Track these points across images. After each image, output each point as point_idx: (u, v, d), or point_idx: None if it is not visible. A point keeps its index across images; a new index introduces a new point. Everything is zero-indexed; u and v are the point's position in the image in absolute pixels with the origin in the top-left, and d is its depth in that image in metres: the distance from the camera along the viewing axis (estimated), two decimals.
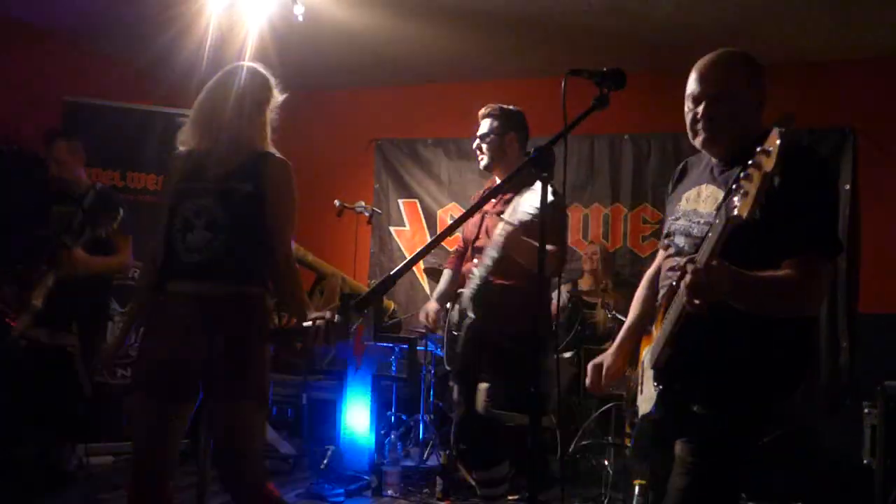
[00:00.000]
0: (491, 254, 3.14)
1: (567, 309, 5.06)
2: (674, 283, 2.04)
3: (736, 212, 1.66)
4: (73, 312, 4.05)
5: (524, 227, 3.01)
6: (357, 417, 4.98)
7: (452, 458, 4.09)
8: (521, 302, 3.20)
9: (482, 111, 3.53)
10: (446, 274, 3.73)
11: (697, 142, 2.13)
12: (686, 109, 2.15)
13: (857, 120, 5.25)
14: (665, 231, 2.29)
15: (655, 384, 2.04)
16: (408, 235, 6.55)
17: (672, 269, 2.17)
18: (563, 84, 1.84)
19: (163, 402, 2.41)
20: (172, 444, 2.45)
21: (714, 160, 2.18)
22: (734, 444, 1.99)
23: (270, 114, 2.69)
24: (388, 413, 5.11)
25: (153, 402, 2.41)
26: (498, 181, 3.51)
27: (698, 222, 2.12)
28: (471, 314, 3.32)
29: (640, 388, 2.20)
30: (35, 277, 3.84)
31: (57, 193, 4.15)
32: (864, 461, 4.29)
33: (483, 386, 3.32)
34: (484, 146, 3.46)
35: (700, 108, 2.09)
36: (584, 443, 4.65)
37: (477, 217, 3.49)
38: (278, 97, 2.71)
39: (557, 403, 4.61)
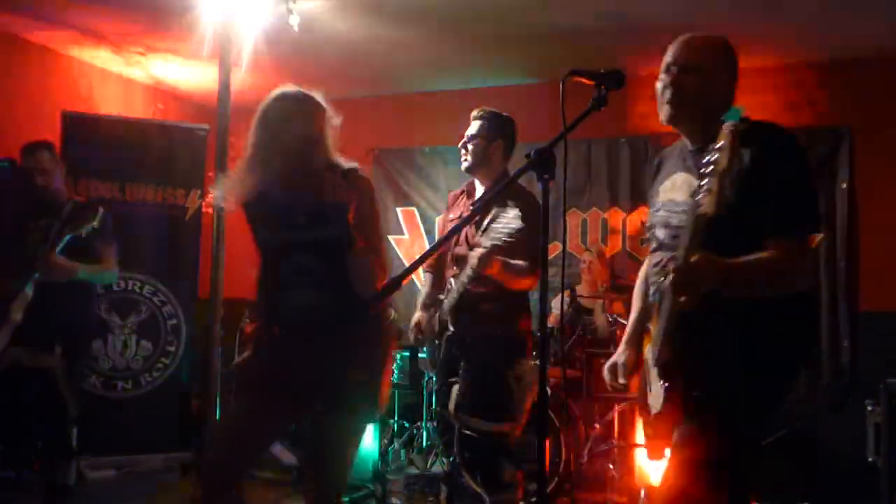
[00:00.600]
0: (468, 272, 3.13)
1: (569, 314, 5.06)
2: (661, 280, 2.07)
3: (701, 209, 1.71)
4: (55, 329, 3.79)
5: (498, 250, 3.01)
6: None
7: (456, 464, 4.08)
8: (496, 307, 3.25)
9: (475, 112, 3.52)
10: (427, 278, 3.68)
11: (663, 115, 2.13)
12: (657, 83, 2.15)
13: (854, 119, 5.27)
14: (647, 224, 2.31)
15: (661, 382, 2.04)
16: (407, 244, 6.55)
17: (656, 265, 2.19)
18: (561, 86, 1.84)
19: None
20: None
21: (686, 147, 2.18)
22: (737, 427, 1.97)
23: (331, 130, 2.63)
24: (391, 421, 5.10)
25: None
26: (478, 184, 3.49)
27: (676, 211, 2.13)
28: (451, 327, 3.33)
29: (648, 387, 2.20)
30: (13, 290, 3.64)
31: (39, 205, 3.97)
32: (869, 459, 4.29)
33: (454, 388, 3.34)
34: (470, 147, 3.42)
35: (669, 77, 2.10)
36: (588, 447, 4.64)
37: (458, 215, 3.50)
38: (334, 118, 2.66)
39: (566, 408, 4.60)
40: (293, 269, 2.47)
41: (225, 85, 3.07)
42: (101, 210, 3.78)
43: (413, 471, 4.74)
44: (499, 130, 3.45)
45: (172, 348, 5.25)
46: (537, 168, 1.79)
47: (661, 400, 2.06)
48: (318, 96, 2.63)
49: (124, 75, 6.20)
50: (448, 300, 3.33)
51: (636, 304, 2.43)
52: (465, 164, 3.45)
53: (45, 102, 5.44)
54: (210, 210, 5.18)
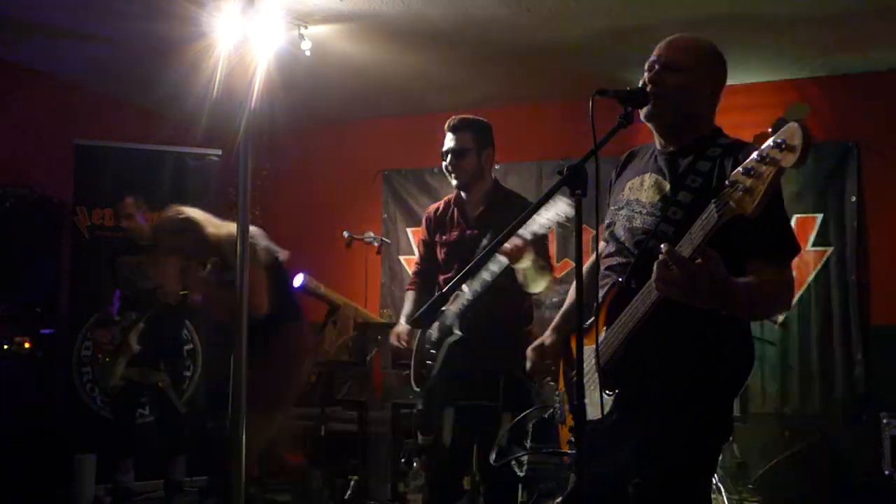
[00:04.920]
0: (492, 268, 2.95)
1: None
2: (620, 280, 1.99)
3: (736, 204, 1.59)
4: (159, 351, 4.54)
5: (533, 243, 2.85)
6: (378, 446, 4.97)
7: (476, 482, 4.08)
8: (508, 314, 3.13)
9: (449, 123, 3.26)
10: (409, 296, 3.51)
11: (643, 112, 2.04)
12: (640, 81, 2.08)
13: (861, 133, 5.31)
14: (607, 221, 2.19)
15: (608, 391, 1.93)
16: None
17: (610, 268, 2.09)
18: (590, 105, 1.83)
19: None
20: None
21: (658, 147, 2.12)
22: (695, 450, 1.95)
23: None
24: (409, 440, 5.10)
25: None
26: (465, 196, 3.28)
27: (640, 212, 2.06)
28: (457, 331, 3.11)
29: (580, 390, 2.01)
30: (124, 323, 4.37)
31: (123, 243, 4.66)
32: (886, 472, 4.29)
33: (451, 411, 3.17)
34: (460, 163, 3.18)
35: (650, 74, 2.04)
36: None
37: (455, 233, 3.31)
38: None
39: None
40: None
41: (245, 110, 3.11)
42: None
43: None
44: (486, 137, 3.25)
45: (189, 373, 5.27)
46: (570, 184, 1.77)
47: (600, 408, 1.91)
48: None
49: (134, 103, 6.25)
50: (456, 305, 3.12)
51: (571, 299, 2.32)
52: (457, 182, 3.23)
53: (57, 132, 5.49)
54: None
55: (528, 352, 2.30)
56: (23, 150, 5.32)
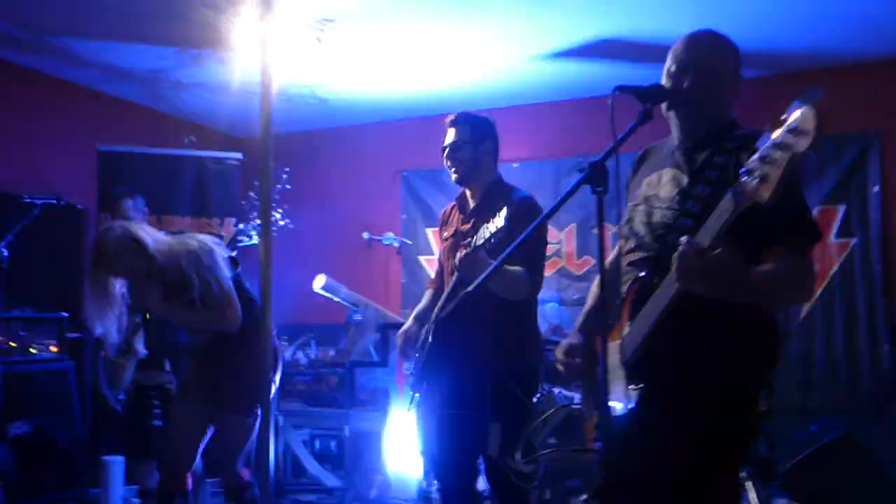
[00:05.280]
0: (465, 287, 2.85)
1: None
2: (641, 275, 1.98)
3: (751, 192, 1.57)
4: (162, 350, 4.40)
5: (486, 250, 2.71)
6: (402, 446, 4.99)
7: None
8: (505, 326, 3.00)
9: (449, 119, 3.22)
10: (427, 294, 3.46)
11: (664, 106, 2.05)
12: (663, 81, 2.09)
13: (883, 122, 5.26)
14: (625, 217, 2.19)
15: (632, 384, 1.93)
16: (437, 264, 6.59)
17: (632, 263, 2.09)
18: (610, 102, 1.84)
19: None
20: None
21: (676, 142, 2.13)
22: (723, 444, 1.95)
23: None
24: None
25: None
26: (469, 195, 3.23)
27: (659, 207, 2.07)
28: (430, 337, 3.09)
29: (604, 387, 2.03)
30: (132, 325, 4.20)
31: None
32: None
33: (431, 420, 3.11)
34: (457, 156, 3.14)
35: (673, 76, 2.05)
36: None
37: (452, 229, 3.28)
38: None
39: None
40: None
41: (267, 112, 3.12)
42: None
43: None
44: (483, 131, 3.19)
45: None
46: (591, 181, 1.78)
47: (627, 403, 1.93)
48: None
49: (154, 109, 6.32)
50: (438, 310, 3.09)
51: (594, 296, 2.32)
52: (455, 177, 3.19)
53: (80, 139, 5.56)
54: (245, 238, 5.27)
55: (557, 354, 2.30)
56: (47, 157, 5.39)
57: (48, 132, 5.45)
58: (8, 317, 4.50)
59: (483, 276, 2.25)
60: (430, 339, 3.09)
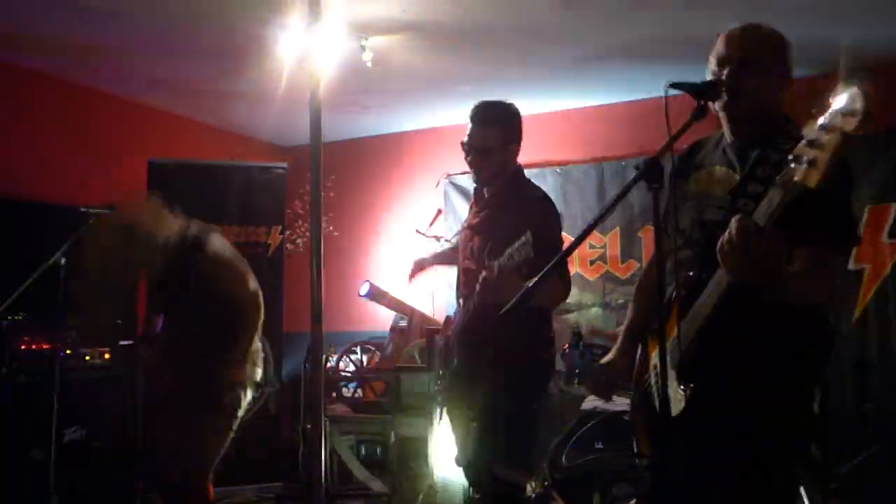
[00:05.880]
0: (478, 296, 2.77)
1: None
2: (690, 273, 1.96)
3: (800, 178, 1.52)
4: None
5: (508, 272, 2.55)
6: (449, 451, 4.99)
7: (548, 486, 4.07)
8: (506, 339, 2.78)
9: (474, 112, 2.96)
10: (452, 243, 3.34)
11: (718, 104, 1.99)
12: (710, 75, 2.04)
13: None
14: (671, 214, 2.10)
15: (683, 385, 1.90)
16: None
17: (679, 262, 2.02)
18: (664, 99, 1.78)
19: None
20: None
21: (728, 139, 2.08)
22: (777, 444, 1.91)
23: None
24: None
25: None
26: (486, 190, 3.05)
27: (710, 205, 2.02)
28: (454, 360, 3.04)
29: (655, 389, 2.01)
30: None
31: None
32: None
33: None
34: (483, 163, 2.92)
35: (726, 72, 2.00)
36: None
37: (465, 233, 3.13)
38: None
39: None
40: None
41: (316, 122, 3.18)
42: None
43: None
44: (514, 131, 2.98)
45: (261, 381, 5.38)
46: (647, 177, 1.76)
47: (680, 405, 1.89)
48: None
49: (200, 120, 6.44)
50: (456, 326, 3.02)
51: (637, 306, 2.30)
52: (476, 180, 3.02)
53: (128, 151, 5.69)
54: (292, 246, 5.36)
55: (596, 368, 2.29)
56: (102, 169, 5.54)
57: (98, 144, 5.60)
58: (63, 324, 4.60)
59: (519, 296, 1.98)
60: (453, 354, 3.04)
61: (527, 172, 3.12)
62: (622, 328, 2.32)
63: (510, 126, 2.98)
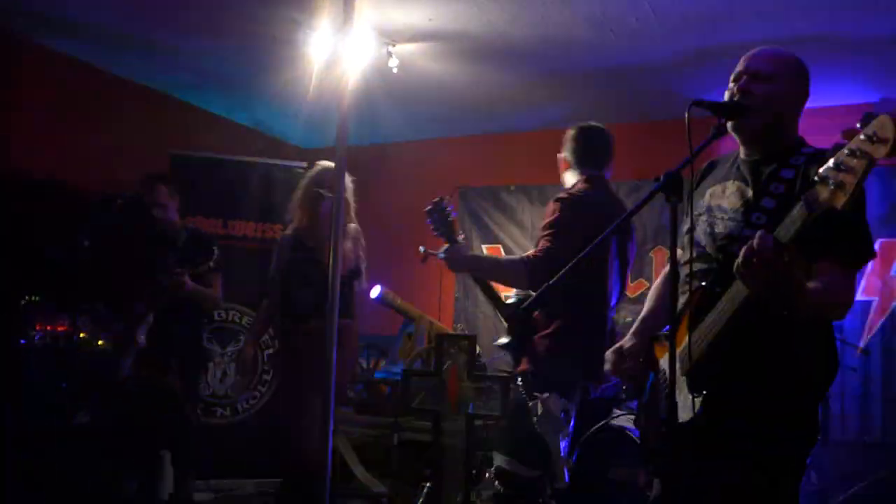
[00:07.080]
0: None
1: None
2: (703, 285, 2.00)
3: (826, 200, 1.57)
4: (172, 350, 4.14)
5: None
6: (451, 456, 5.02)
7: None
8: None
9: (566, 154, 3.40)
10: None
11: (730, 123, 2.06)
12: (726, 92, 2.12)
13: None
14: (686, 228, 2.16)
15: (694, 393, 1.94)
16: None
17: (693, 273, 2.08)
18: (686, 116, 1.85)
19: None
20: None
21: (743, 156, 2.15)
22: (781, 455, 1.97)
23: None
24: (478, 452, 5.13)
25: None
26: None
27: (722, 218, 2.09)
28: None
29: (663, 394, 2.08)
30: (136, 315, 4.01)
31: (152, 235, 4.26)
32: None
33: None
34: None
35: (737, 85, 2.08)
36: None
37: None
38: None
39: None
40: None
41: (343, 125, 3.23)
42: (216, 251, 4.09)
43: None
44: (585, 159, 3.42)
45: (268, 377, 5.45)
46: (666, 190, 1.82)
47: (689, 411, 1.94)
48: None
49: (226, 117, 6.53)
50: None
51: (652, 303, 2.39)
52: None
53: (152, 143, 5.76)
54: None
55: (608, 354, 2.34)
56: (125, 159, 5.61)
57: (123, 134, 5.68)
58: (79, 309, 4.66)
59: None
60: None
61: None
62: (638, 319, 2.39)
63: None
